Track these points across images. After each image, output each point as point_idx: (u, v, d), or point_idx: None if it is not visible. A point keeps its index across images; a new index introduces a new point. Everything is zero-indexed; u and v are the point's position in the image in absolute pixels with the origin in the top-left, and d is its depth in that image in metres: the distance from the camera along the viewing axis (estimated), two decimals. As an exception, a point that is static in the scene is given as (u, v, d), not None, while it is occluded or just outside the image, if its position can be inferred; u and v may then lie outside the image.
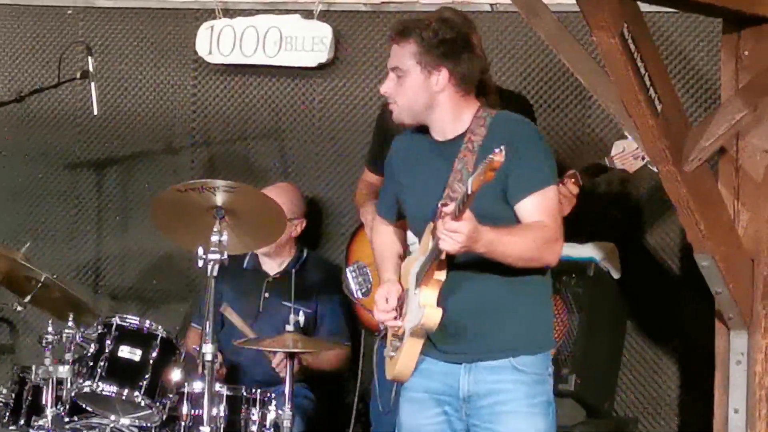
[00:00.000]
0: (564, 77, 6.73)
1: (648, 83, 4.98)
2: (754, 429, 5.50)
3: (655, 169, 5.61)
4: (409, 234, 5.00)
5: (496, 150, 4.05)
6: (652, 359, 6.60)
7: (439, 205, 4.50)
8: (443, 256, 4.51)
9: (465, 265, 4.57)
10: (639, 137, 5.19)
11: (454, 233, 4.29)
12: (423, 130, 4.80)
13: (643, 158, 5.75)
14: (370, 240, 5.49)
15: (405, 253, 5.05)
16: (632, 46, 4.90)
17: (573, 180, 5.58)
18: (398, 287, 4.81)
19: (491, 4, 6.71)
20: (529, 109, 6.16)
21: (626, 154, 5.77)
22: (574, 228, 6.15)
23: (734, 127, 5.28)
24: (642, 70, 4.94)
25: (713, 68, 5.90)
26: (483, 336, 4.68)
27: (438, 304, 4.54)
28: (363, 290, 6.15)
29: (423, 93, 4.71)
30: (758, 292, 5.49)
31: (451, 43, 4.68)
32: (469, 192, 4.15)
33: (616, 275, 6.31)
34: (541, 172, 4.62)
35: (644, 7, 5.08)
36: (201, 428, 5.88)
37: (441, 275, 4.56)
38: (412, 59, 4.67)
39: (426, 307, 4.54)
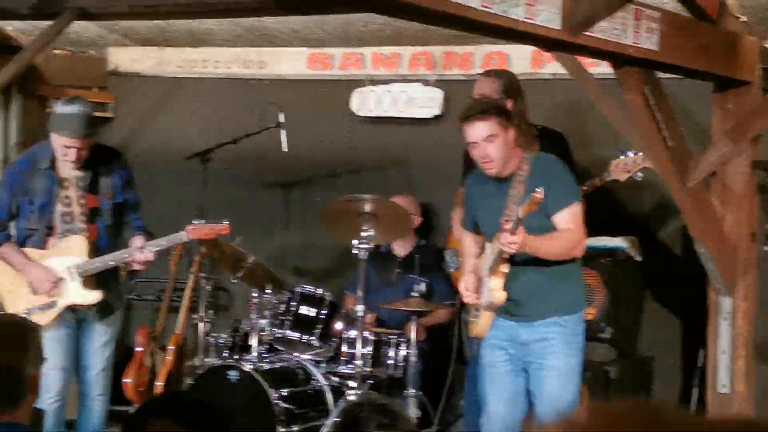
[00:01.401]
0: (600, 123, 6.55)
1: (662, 126, 4.95)
2: (735, 364, 5.44)
3: (638, 178, 5.66)
4: None
5: (537, 190, 4.31)
6: (664, 316, 6.49)
7: (502, 222, 4.67)
8: (506, 256, 4.62)
9: (523, 261, 4.68)
10: (656, 164, 5.13)
11: (512, 243, 4.45)
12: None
13: (628, 171, 5.66)
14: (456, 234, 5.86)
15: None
16: (651, 101, 4.89)
17: None
18: (474, 278, 4.90)
19: (552, 74, 6.60)
20: (563, 140, 6.08)
21: (618, 168, 5.67)
22: (610, 226, 6.12)
23: (722, 157, 5.29)
24: (658, 117, 4.94)
25: (707, 116, 5.76)
26: (537, 305, 4.80)
27: (504, 288, 4.66)
28: (455, 267, 6.17)
29: (508, 147, 4.77)
30: (739, 270, 5.44)
31: (509, 114, 4.86)
32: (520, 217, 4.38)
33: (638, 258, 6.22)
34: (569, 193, 4.72)
35: (659, 74, 4.99)
36: (355, 362, 6.00)
37: (505, 269, 4.65)
38: (497, 126, 4.72)
39: (495, 291, 4.68)
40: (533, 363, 4.82)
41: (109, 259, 5.49)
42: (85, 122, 5.36)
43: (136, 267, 5.62)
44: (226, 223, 5.64)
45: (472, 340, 5.27)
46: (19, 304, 5.44)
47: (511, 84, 5.74)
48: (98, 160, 5.49)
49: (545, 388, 4.78)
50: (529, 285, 4.76)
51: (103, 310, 5.58)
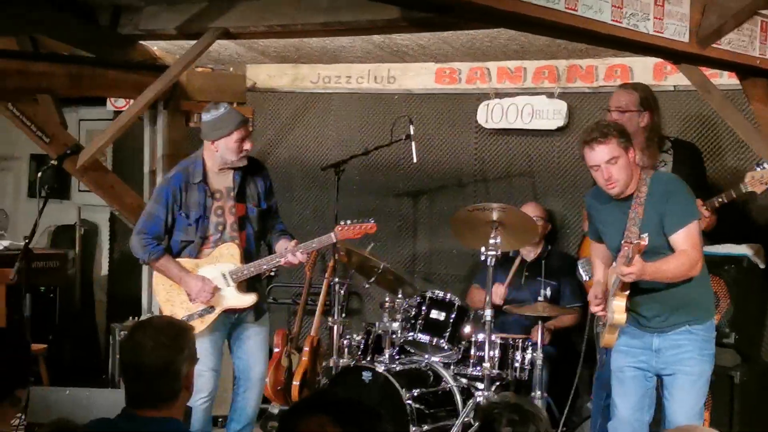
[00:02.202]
0: (719, 134, 6.43)
1: (789, 136, 4.80)
2: None
3: None
4: None
5: (642, 236, 4.33)
6: (789, 322, 6.28)
7: (623, 243, 4.64)
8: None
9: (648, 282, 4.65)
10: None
11: (628, 274, 4.44)
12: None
13: (765, 183, 5.50)
14: None
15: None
16: (777, 111, 4.73)
17: (705, 208, 5.35)
18: (602, 287, 4.86)
19: (674, 86, 6.46)
20: (698, 152, 5.99)
21: (755, 180, 5.53)
22: (735, 233, 5.97)
23: None
24: (784, 127, 4.77)
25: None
26: (666, 320, 4.74)
27: (627, 308, 4.64)
28: (589, 275, 6.05)
29: (630, 167, 4.71)
30: None
31: (628, 135, 4.72)
32: (631, 257, 4.37)
33: (762, 266, 6.01)
34: (686, 213, 4.62)
35: (785, 85, 4.87)
36: (484, 364, 5.96)
37: (626, 291, 4.63)
38: (618, 148, 4.65)
39: (617, 313, 4.65)
40: (667, 368, 4.77)
41: (262, 264, 5.58)
42: (237, 112, 5.56)
43: (292, 263, 5.61)
44: (372, 221, 5.67)
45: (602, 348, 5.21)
46: (177, 312, 5.54)
47: (646, 96, 5.65)
48: (243, 169, 5.61)
49: (678, 393, 4.73)
50: (656, 303, 4.73)
51: (257, 311, 5.70)
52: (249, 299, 5.61)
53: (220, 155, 5.51)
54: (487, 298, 5.94)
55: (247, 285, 5.60)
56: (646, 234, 4.34)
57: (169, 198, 5.53)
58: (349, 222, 5.65)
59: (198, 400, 5.40)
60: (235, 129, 5.44)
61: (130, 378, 3.26)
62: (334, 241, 5.67)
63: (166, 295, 5.62)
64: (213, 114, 5.49)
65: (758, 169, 5.56)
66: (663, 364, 4.78)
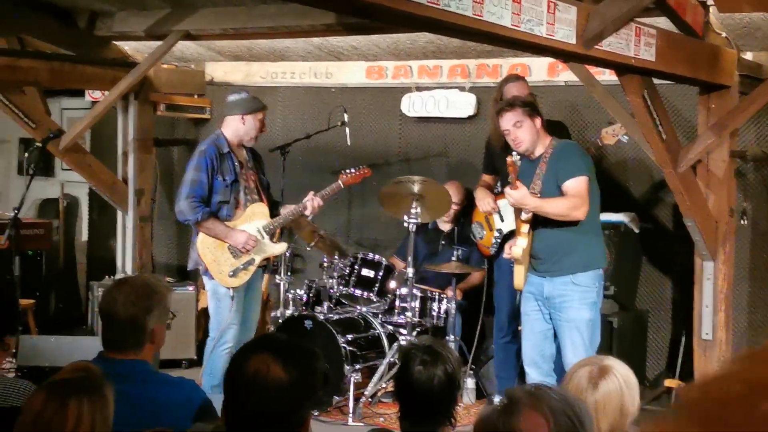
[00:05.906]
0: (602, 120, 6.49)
1: (658, 123, 4.90)
2: (716, 316, 5.41)
3: (624, 140, 5.60)
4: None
5: (511, 155, 4.57)
6: (658, 277, 6.41)
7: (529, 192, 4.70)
8: (523, 218, 4.67)
9: (546, 224, 4.69)
10: (653, 153, 5.08)
11: (509, 195, 4.60)
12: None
13: (615, 135, 5.60)
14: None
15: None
16: (649, 102, 4.83)
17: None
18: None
19: (565, 81, 6.52)
20: (565, 127, 6.07)
21: (607, 135, 5.63)
22: (614, 204, 6.06)
23: (706, 148, 5.22)
24: (654, 116, 4.88)
25: (694, 114, 5.71)
26: (556, 263, 4.74)
27: (530, 246, 4.73)
28: (480, 236, 6.12)
29: (533, 131, 4.76)
30: (719, 240, 5.40)
31: (534, 106, 4.87)
32: (512, 180, 4.56)
33: (636, 230, 6.14)
34: (574, 169, 4.71)
35: (656, 81, 4.93)
36: (406, 313, 5.97)
37: (525, 229, 4.71)
38: (523, 115, 4.69)
39: (515, 247, 4.77)
40: (554, 314, 4.82)
41: (288, 215, 5.50)
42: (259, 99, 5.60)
43: (314, 209, 5.54)
44: (366, 167, 5.83)
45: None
46: (224, 269, 5.35)
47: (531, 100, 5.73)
48: (249, 149, 5.56)
49: (564, 336, 4.79)
50: (551, 245, 4.75)
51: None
52: (282, 247, 5.57)
53: (245, 129, 5.41)
54: (409, 259, 5.96)
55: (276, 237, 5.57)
56: (517, 156, 4.51)
57: (208, 164, 5.31)
58: (349, 171, 5.74)
59: (225, 348, 5.31)
60: (262, 109, 5.43)
61: (104, 326, 3.21)
62: (342, 187, 5.74)
63: (212, 256, 5.35)
64: (242, 95, 5.47)
65: (609, 127, 5.66)
66: (552, 310, 4.81)
